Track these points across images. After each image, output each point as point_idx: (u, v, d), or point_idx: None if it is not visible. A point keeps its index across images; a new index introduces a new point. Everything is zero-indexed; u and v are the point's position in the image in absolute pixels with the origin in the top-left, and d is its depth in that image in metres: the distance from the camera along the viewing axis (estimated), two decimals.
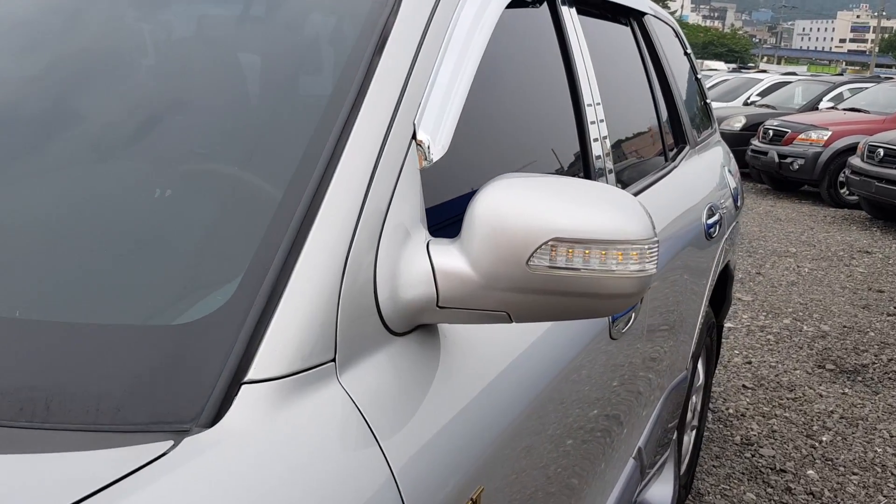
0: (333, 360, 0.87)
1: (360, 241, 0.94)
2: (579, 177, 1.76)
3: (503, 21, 1.50)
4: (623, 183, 1.97)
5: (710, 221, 2.57)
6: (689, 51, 3.23)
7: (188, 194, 1.06)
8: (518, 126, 1.56)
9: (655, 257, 1.01)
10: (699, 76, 3.33)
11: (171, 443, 0.73)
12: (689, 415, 2.95)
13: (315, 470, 0.78)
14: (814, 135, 10.63)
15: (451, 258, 0.99)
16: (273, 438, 0.77)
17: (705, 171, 2.82)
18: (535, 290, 0.98)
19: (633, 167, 2.19)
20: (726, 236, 2.84)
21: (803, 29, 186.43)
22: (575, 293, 0.99)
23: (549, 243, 0.97)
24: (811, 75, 19.18)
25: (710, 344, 3.16)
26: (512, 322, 1.02)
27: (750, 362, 4.69)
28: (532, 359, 1.26)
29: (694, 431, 3.16)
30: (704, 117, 3.34)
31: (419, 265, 0.99)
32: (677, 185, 2.42)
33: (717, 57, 63.81)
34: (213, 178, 1.07)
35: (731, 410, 4.01)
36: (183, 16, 1.33)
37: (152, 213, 1.02)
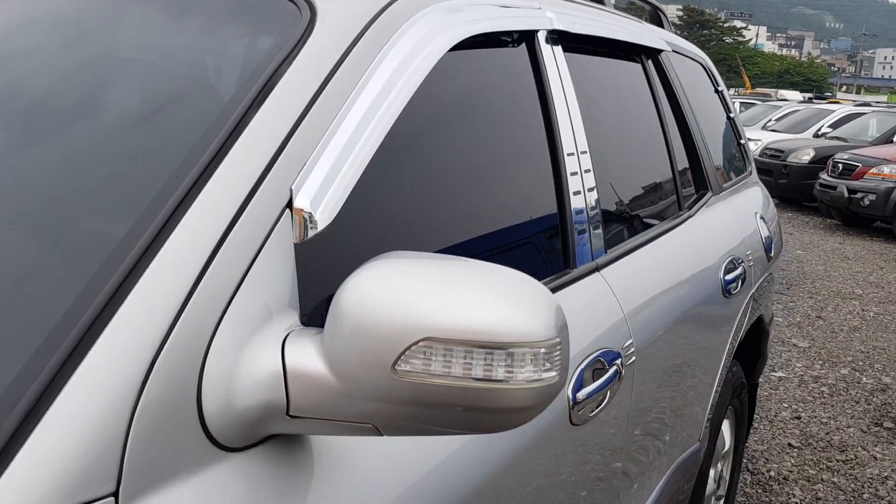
0: (114, 493, 0.70)
1: (182, 332, 0.77)
2: (551, 238, 1.57)
3: (454, 67, 1.33)
4: (613, 240, 1.77)
5: (730, 277, 2.33)
6: (721, 88, 3.00)
7: None
8: (468, 187, 1.39)
9: (558, 362, 0.82)
10: (733, 115, 3.09)
11: None
12: (713, 485, 2.69)
13: None
14: (886, 169, 10.12)
15: (308, 357, 0.82)
16: None
17: (730, 220, 2.58)
18: (404, 402, 0.80)
19: (631, 220, 1.98)
20: (753, 291, 2.59)
21: (885, 58, 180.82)
22: (454, 406, 0.81)
23: (421, 344, 0.79)
24: (887, 105, 18.40)
25: (741, 406, 2.89)
26: (382, 435, 0.84)
27: (799, 417, 4.35)
28: (451, 467, 1.08)
29: (721, 501, 2.89)
30: (740, 159, 3.10)
31: (268, 363, 0.83)
32: (690, 236, 2.19)
33: (793, 86, 62.22)
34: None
35: (772, 473, 3.69)
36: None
37: None
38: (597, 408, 1.47)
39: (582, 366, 1.43)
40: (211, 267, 0.82)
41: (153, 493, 0.73)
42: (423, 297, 0.79)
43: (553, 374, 0.82)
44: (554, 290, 1.49)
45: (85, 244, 0.89)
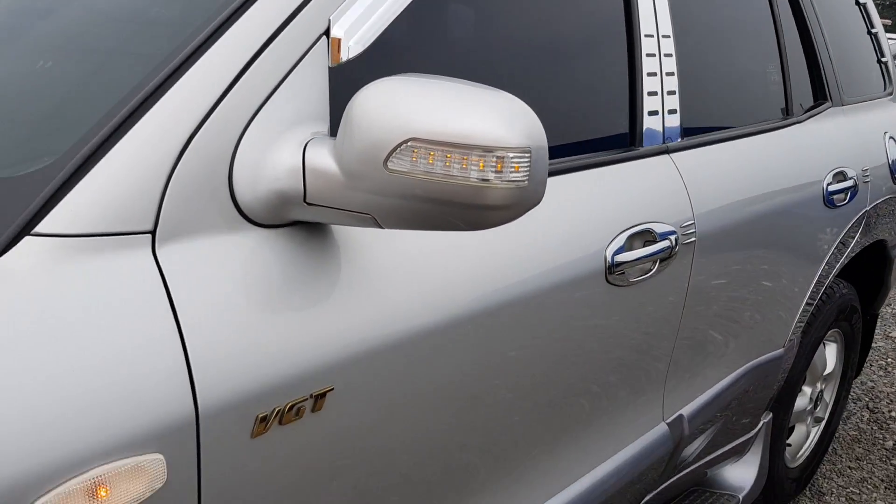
0: (151, 231, 0.90)
1: (217, 121, 0.95)
2: (620, 115, 1.64)
3: None
4: (691, 129, 1.81)
5: (836, 188, 2.28)
6: (863, 0, 2.84)
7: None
8: (531, 47, 1.48)
9: (526, 169, 0.93)
10: (876, 30, 2.92)
11: None
12: (807, 402, 2.67)
13: (78, 329, 0.81)
14: None
15: (323, 156, 0.98)
16: (41, 285, 0.81)
17: (848, 133, 2.49)
18: (395, 195, 0.94)
19: (720, 114, 1.99)
20: (868, 209, 2.50)
21: None
22: (437, 201, 0.94)
23: (409, 144, 0.92)
24: None
25: (851, 332, 2.81)
26: (381, 227, 0.99)
27: None
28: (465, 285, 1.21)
29: (821, 424, 2.86)
30: (878, 77, 2.94)
31: (291, 157, 0.99)
32: (791, 140, 2.16)
33: None
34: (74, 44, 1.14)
35: (893, 414, 3.56)
36: None
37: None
38: (641, 275, 1.55)
39: (627, 232, 1.51)
40: (250, 70, 0.98)
41: (185, 241, 0.92)
42: (413, 104, 0.92)
43: (522, 177, 0.92)
44: (613, 163, 1.57)
45: (154, 34, 1.09)
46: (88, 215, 0.86)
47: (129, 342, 0.84)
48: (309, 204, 0.99)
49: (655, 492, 1.98)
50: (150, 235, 0.90)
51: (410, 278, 1.13)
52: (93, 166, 0.87)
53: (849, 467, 3.08)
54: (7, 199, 0.86)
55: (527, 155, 0.92)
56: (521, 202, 0.94)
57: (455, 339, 1.18)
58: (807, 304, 2.29)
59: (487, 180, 0.92)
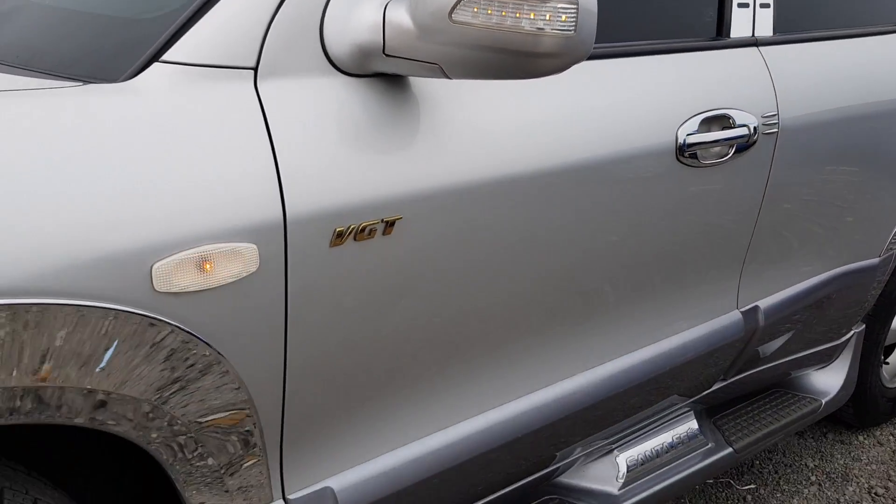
0: (254, 68, 1.09)
1: None
2: (707, 7, 1.70)
3: None
4: (786, 24, 1.83)
5: None
6: None
7: None
8: None
9: (573, 23, 1.05)
10: None
11: (86, 86, 1.02)
12: None
13: (195, 137, 1.02)
14: None
15: (399, 12, 1.13)
16: (167, 101, 1.02)
17: None
18: (459, 44, 1.08)
19: (817, 11, 1.98)
20: None
21: None
22: (495, 49, 1.07)
23: None
24: None
25: None
26: (448, 77, 1.14)
27: None
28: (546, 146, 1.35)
29: None
30: None
31: (372, 15, 1.15)
32: None
33: None
34: None
35: None
36: None
37: None
38: (715, 158, 1.63)
39: (702, 115, 1.59)
40: None
41: (280, 79, 1.10)
42: None
43: (569, 27, 1.05)
44: (695, 50, 1.64)
45: None
46: (206, 48, 1.05)
47: (233, 154, 1.04)
48: (387, 55, 1.15)
49: (729, 381, 2.07)
50: (252, 71, 1.09)
51: (478, 132, 1.28)
52: (211, 7, 1.07)
53: None
54: (143, 34, 1.07)
55: (574, 7, 1.04)
56: (569, 51, 1.07)
57: (516, 193, 1.33)
58: None
59: (540, 29, 1.05)
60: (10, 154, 0.91)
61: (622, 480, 1.87)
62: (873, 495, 2.47)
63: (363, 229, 1.16)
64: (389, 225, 1.19)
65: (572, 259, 1.48)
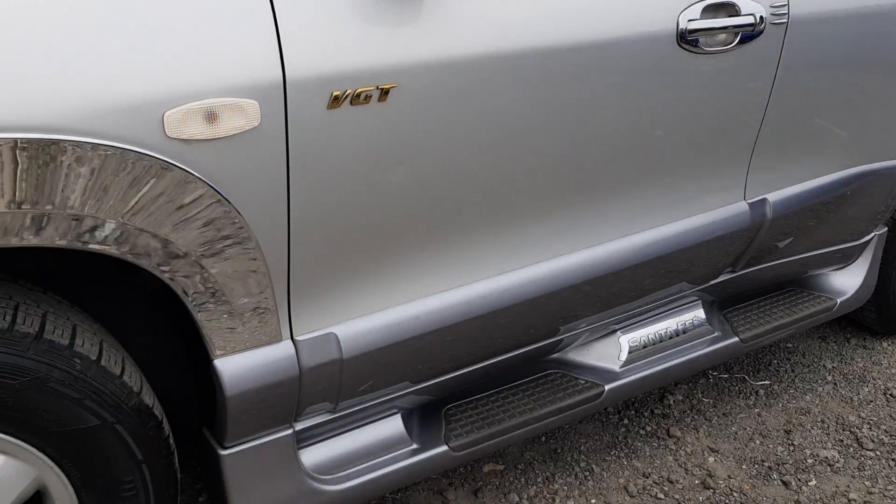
0: None
1: None
2: None
3: None
4: None
5: None
6: None
7: None
8: None
9: None
10: None
11: None
12: None
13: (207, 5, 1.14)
14: None
15: None
16: None
17: None
18: None
19: None
20: None
21: None
22: None
23: None
24: None
25: None
26: None
27: None
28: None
29: None
30: None
31: None
32: None
33: None
34: None
35: None
36: None
37: None
38: (719, 46, 1.68)
39: (706, 2, 1.64)
40: None
41: None
42: None
43: None
44: None
45: None
46: None
47: (236, 14, 1.16)
48: None
49: (739, 273, 2.14)
50: None
51: (479, 8, 1.37)
52: None
53: None
54: None
55: None
56: None
57: (513, 70, 1.42)
58: None
59: None
60: (42, 13, 1.05)
61: (623, 359, 1.99)
62: (888, 396, 2.53)
63: (359, 95, 1.27)
64: (384, 92, 1.30)
65: (571, 137, 1.57)
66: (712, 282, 2.11)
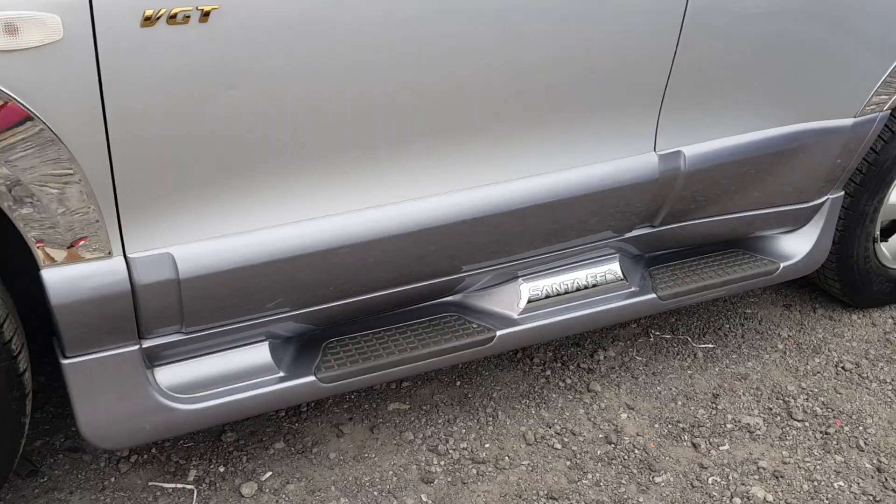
0: None
1: None
2: None
3: None
4: None
5: None
6: None
7: None
8: None
9: None
10: None
11: None
12: None
13: None
14: None
15: None
16: None
17: None
18: None
19: None
20: None
21: None
22: None
23: None
24: None
25: None
26: None
27: None
28: None
29: None
30: None
31: None
32: None
33: None
34: None
35: None
36: None
37: None
38: None
39: None
40: None
41: None
42: None
43: None
44: None
45: None
46: None
47: None
48: None
49: (660, 228, 2.08)
50: None
51: None
52: None
53: None
54: None
55: None
56: None
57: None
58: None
59: None
60: None
61: (522, 307, 1.96)
62: (839, 369, 2.43)
63: (175, 15, 1.28)
64: (205, 14, 1.31)
65: (438, 66, 1.54)
66: (628, 235, 2.05)
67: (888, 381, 2.39)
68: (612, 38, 1.70)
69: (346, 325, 1.85)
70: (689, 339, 2.51)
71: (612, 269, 2.08)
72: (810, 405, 2.27)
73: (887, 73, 2.09)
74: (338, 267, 1.64)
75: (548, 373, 2.32)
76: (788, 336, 2.56)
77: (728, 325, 2.59)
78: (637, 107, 1.82)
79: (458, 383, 2.26)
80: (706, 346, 2.49)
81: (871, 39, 2.01)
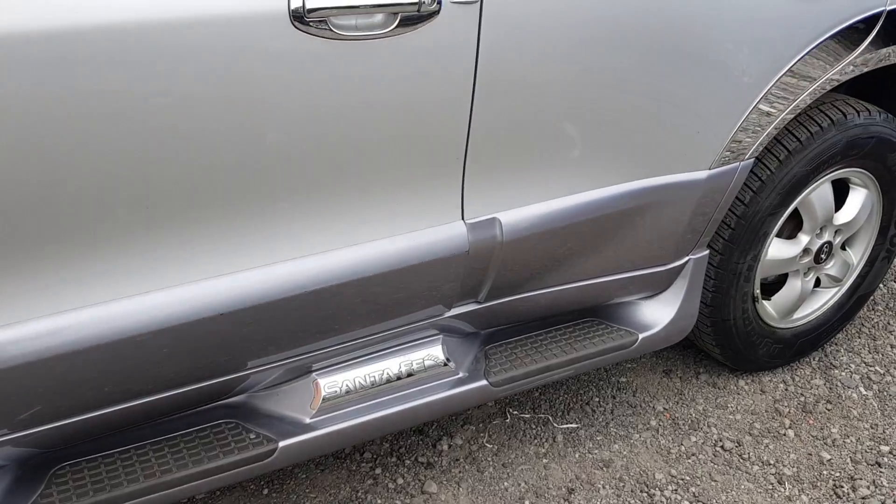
0: None
1: None
2: None
3: None
4: None
5: None
6: None
7: None
8: None
9: None
10: None
11: None
12: (806, 256, 2.20)
13: None
14: None
15: None
16: None
17: None
18: None
19: None
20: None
21: None
22: None
23: None
24: None
25: (890, 175, 2.26)
26: None
27: None
28: None
29: (841, 287, 2.38)
30: None
31: None
32: None
33: None
34: None
35: None
36: None
37: None
38: (367, 31, 1.32)
39: None
40: None
41: None
42: None
43: None
44: None
45: None
46: None
47: None
48: None
49: (489, 304, 1.79)
50: None
51: None
52: None
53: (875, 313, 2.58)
54: None
55: None
56: None
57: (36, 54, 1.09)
58: (762, 114, 1.82)
59: None
60: None
61: (315, 408, 1.65)
62: (718, 448, 2.14)
63: None
64: None
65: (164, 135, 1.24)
66: (449, 314, 1.75)
67: (772, 462, 2.11)
68: (390, 117, 1.42)
69: (84, 444, 1.51)
70: (551, 419, 2.21)
71: (432, 353, 1.77)
72: (678, 498, 1.97)
73: (744, 116, 1.81)
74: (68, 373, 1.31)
75: (377, 471, 2.00)
76: (664, 410, 2.27)
77: (598, 399, 2.30)
78: (434, 177, 1.53)
79: (266, 491, 1.93)
80: (569, 425, 2.19)
81: (718, 79, 1.74)
